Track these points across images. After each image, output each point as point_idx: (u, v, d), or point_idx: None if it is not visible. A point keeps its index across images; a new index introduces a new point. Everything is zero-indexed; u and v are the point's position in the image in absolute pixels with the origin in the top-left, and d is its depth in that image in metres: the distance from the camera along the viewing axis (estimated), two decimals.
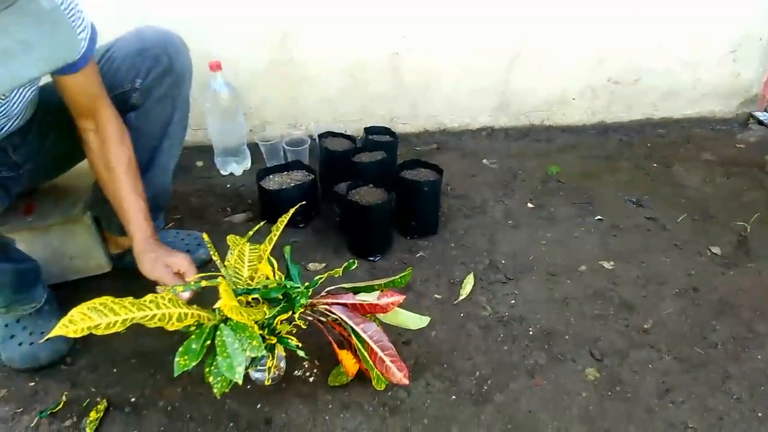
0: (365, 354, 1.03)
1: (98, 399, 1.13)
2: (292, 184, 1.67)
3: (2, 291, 1.16)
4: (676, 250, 1.54)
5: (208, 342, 0.93)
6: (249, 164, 1.98)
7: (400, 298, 1.05)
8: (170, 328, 0.94)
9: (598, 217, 1.68)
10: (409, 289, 1.39)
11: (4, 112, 1.03)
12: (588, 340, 1.25)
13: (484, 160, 2.00)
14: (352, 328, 1.04)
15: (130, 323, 0.90)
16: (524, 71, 2.04)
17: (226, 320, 0.98)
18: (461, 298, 1.36)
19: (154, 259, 1.11)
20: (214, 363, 0.93)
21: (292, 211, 1.12)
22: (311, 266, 1.50)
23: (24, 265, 1.20)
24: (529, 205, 1.73)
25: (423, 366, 1.18)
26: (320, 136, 1.81)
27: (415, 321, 1.15)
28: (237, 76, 1.89)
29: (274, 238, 1.08)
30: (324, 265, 1.50)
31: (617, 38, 2.01)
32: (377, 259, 1.51)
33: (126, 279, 1.44)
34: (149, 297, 0.96)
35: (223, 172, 1.95)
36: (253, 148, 1.97)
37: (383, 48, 1.95)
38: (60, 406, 1.12)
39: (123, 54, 1.20)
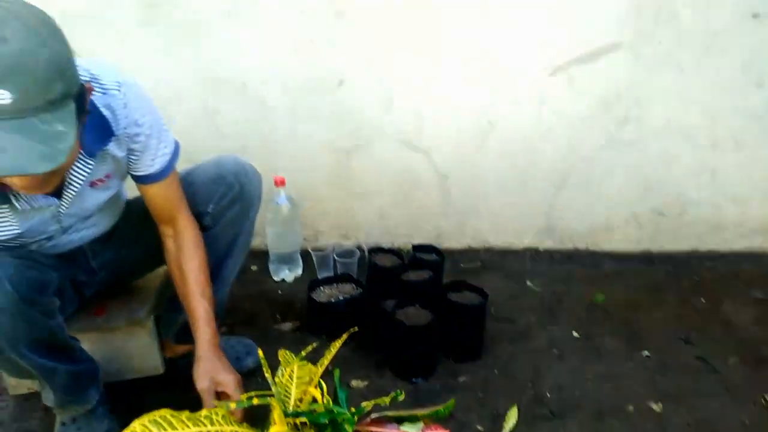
0: None
1: None
2: (341, 297, 1.73)
3: (57, 391, 1.23)
4: (728, 396, 1.49)
5: None
6: (300, 272, 2.07)
7: None
8: None
9: (646, 353, 1.65)
10: (450, 418, 1.38)
11: (72, 212, 1.15)
12: None
13: (528, 282, 2.02)
14: None
15: None
16: (571, 195, 2.11)
17: None
18: None
19: (208, 370, 1.17)
20: None
21: (345, 336, 1.17)
22: (353, 383, 1.52)
23: (82, 366, 1.25)
24: (575, 334, 1.73)
25: None
26: (370, 251, 1.90)
27: None
28: (297, 188, 2.03)
29: (326, 362, 1.13)
30: (366, 383, 1.52)
31: (664, 169, 2.07)
32: (419, 381, 1.52)
33: (177, 383, 1.49)
34: (204, 412, 1.00)
35: (275, 278, 2.04)
36: (305, 255, 2.07)
37: (434, 170, 2.07)
38: None
39: (202, 179, 1.33)
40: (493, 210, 2.15)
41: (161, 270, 1.52)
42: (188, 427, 0.97)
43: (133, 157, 1.15)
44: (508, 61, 1.90)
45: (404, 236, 2.19)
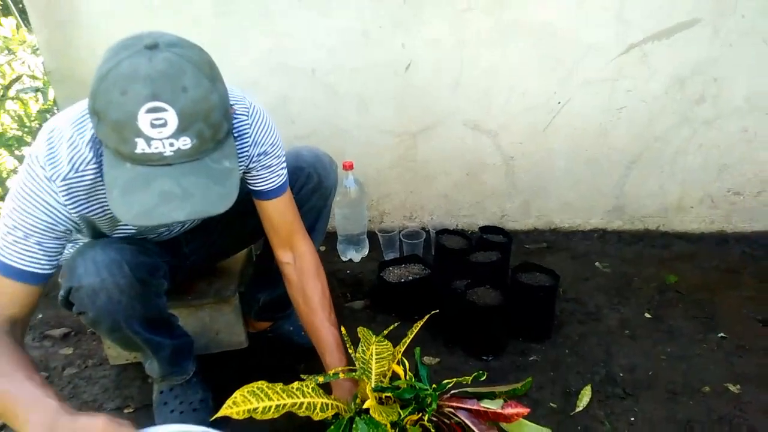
0: None
1: None
2: (410, 278, 1.78)
3: (161, 363, 1.34)
4: None
5: None
6: (366, 252, 2.13)
7: (524, 410, 1.09)
8: (315, 417, 1.05)
9: (722, 334, 1.62)
10: (524, 396, 1.41)
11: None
12: None
13: (597, 263, 2.01)
14: None
15: (283, 411, 1.02)
16: (642, 175, 2.07)
17: (359, 413, 1.08)
18: (578, 409, 1.36)
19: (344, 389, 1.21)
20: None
21: (426, 317, 1.22)
22: (426, 359, 1.57)
23: (181, 341, 1.36)
24: (647, 315, 1.72)
25: None
26: (437, 232, 1.93)
27: None
28: (364, 171, 2.07)
29: (408, 341, 1.18)
30: (438, 360, 1.57)
31: (742, 147, 2.00)
32: (490, 359, 1.55)
33: (259, 356, 1.59)
34: (296, 384, 1.07)
35: (343, 258, 2.11)
36: (371, 236, 2.12)
37: (500, 152, 2.07)
38: None
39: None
40: (560, 191, 2.14)
41: (243, 251, 1.61)
42: (282, 398, 1.04)
43: (253, 173, 1.20)
44: (579, 40, 1.87)
45: (468, 217, 2.21)
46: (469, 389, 1.18)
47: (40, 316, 1.86)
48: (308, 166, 1.39)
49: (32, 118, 2.45)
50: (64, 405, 0.86)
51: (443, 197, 2.20)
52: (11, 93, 2.31)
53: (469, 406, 1.13)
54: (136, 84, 0.80)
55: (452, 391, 1.19)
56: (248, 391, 1.04)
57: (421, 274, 1.79)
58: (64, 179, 0.97)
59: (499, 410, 1.10)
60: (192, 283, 1.55)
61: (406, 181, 2.16)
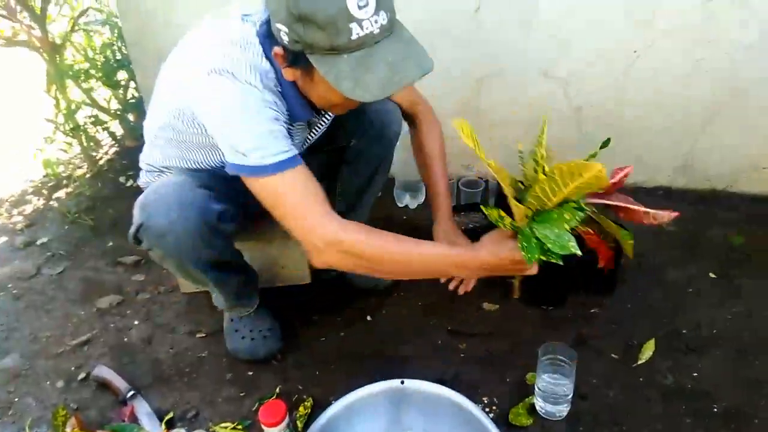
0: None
1: (305, 396, 1.31)
2: (470, 226, 1.78)
3: (228, 296, 1.39)
4: None
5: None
6: (422, 199, 2.13)
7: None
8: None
9: None
10: (584, 344, 1.42)
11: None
12: None
13: None
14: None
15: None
16: (719, 133, 1.98)
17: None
18: (640, 362, 1.37)
19: (447, 231, 1.38)
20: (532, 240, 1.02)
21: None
22: (485, 305, 1.59)
23: (247, 276, 1.41)
24: (712, 275, 1.68)
25: (600, 423, 1.22)
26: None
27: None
28: None
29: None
30: (497, 307, 1.59)
31: None
32: (550, 309, 1.56)
33: (321, 292, 1.64)
34: None
35: (399, 204, 2.12)
36: None
37: (568, 101, 2.01)
38: (274, 397, 1.31)
39: (344, 115, 1.36)
40: (628, 146, 2.07)
41: None
42: None
43: None
44: None
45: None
46: None
47: (111, 243, 1.95)
48: (371, 112, 1.37)
49: (97, 51, 2.49)
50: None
51: (505, 147, 2.15)
52: (79, 25, 2.33)
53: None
54: None
55: None
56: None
57: (482, 223, 1.79)
58: (264, 86, 1.03)
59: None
60: (261, 219, 1.58)
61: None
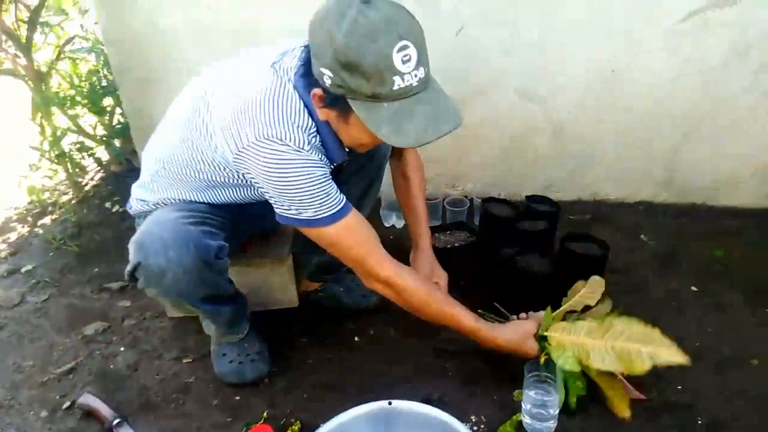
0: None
1: (293, 420, 1.31)
2: (456, 244, 1.80)
3: (220, 325, 1.40)
4: None
5: None
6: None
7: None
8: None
9: None
10: None
11: None
12: None
13: (642, 236, 2.00)
14: None
15: None
16: (696, 149, 2.03)
17: None
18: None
19: (428, 262, 1.51)
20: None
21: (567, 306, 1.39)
22: None
23: (237, 305, 1.40)
24: (693, 288, 1.71)
25: None
26: (483, 200, 1.94)
27: None
28: None
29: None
30: None
31: None
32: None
33: (309, 315, 1.65)
34: None
35: (385, 224, 2.13)
36: None
37: (549, 120, 2.06)
38: (261, 422, 1.31)
39: None
40: (609, 162, 2.12)
41: None
42: None
43: None
44: (636, 7, 1.82)
45: (513, 186, 2.21)
46: None
47: (96, 270, 1.94)
48: None
49: (82, 78, 2.51)
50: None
51: (488, 166, 2.20)
52: (65, 53, 2.35)
53: None
54: (380, 30, 0.92)
55: None
56: None
57: (467, 241, 1.81)
58: (309, 144, 1.08)
59: None
60: (248, 242, 1.59)
61: (450, 149, 2.16)
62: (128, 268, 1.16)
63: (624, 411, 1.25)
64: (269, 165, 1.05)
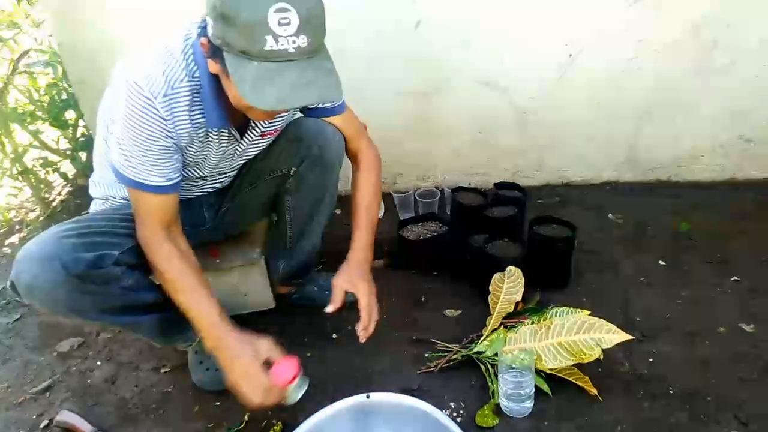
0: None
1: (274, 421, 1.31)
2: (428, 235, 1.81)
3: (150, 336, 1.37)
4: None
5: None
6: (382, 213, 2.15)
7: None
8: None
9: (735, 278, 1.67)
10: None
11: (245, 153, 1.34)
12: (732, 403, 1.26)
13: (610, 215, 2.04)
14: None
15: None
16: (655, 126, 2.08)
17: None
18: None
19: (350, 273, 1.33)
20: None
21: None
22: (447, 312, 1.62)
23: (169, 313, 1.25)
24: (661, 262, 1.76)
25: (564, 417, 1.25)
26: (453, 190, 1.96)
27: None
28: (376, 132, 2.08)
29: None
30: (460, 311, 1.62)
31: (756, 93, 2.00)
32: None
33: (285, 316, 1.65)
34: None
35: None
36: (386, 197, 2.15)
37: (512, 108, 2.08)
38: (242, 426, 1.31)
39: (284, 140, 1.39)
40: (572, 145, 2.15)
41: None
42: None
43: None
44: None
45: (481, 175, 2.24)
46: None
47: None
48: (308, 137, 1.37)
49: (42, 93, 2.46)
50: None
51: (456, 156, 2.22)
52: (20, 67, 2.30)
53: None
54: None
55: None
56: None
57: (439, 231, 1.83)
58: (164, 95, 1.07)
59: None
60: (219, 247, 1.59)
61: (418, 142, 2.18)
62: (8, 283, 1.13)
63: (591, 389, 1.28)
64: (125, 105, 1.07)
